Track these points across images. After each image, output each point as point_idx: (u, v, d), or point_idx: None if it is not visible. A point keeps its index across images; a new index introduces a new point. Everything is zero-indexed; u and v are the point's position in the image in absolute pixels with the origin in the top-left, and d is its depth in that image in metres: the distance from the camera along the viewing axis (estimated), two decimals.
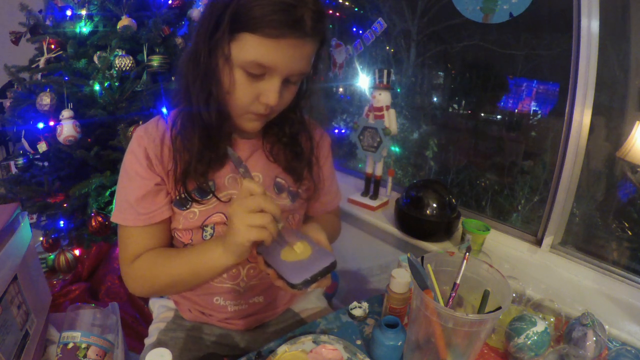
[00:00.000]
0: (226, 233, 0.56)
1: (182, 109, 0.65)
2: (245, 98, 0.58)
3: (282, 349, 0.63)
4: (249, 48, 0.53)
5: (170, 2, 1.50)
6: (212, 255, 0.58)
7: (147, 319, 1.40)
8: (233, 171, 0.68)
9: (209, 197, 0.66)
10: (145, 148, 0.64)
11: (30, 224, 0.78)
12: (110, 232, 1.32)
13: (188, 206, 0.66)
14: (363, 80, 1.82)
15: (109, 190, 1.35)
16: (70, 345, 0.67)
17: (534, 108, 1.32)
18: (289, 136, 0.72)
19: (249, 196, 0.52)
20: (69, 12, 1.38)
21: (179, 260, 0.63)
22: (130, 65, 1.34)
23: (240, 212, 0.52)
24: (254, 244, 0.54)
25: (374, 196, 1.51)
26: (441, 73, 1.63)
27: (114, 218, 0.66)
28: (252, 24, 0.51)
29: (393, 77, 1.42)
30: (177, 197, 0.66)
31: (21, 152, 1.44)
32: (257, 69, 0.55)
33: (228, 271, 0.69)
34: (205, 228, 0.67)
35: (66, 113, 1.26)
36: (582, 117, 1.05)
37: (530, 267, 1.14)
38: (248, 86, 0.57)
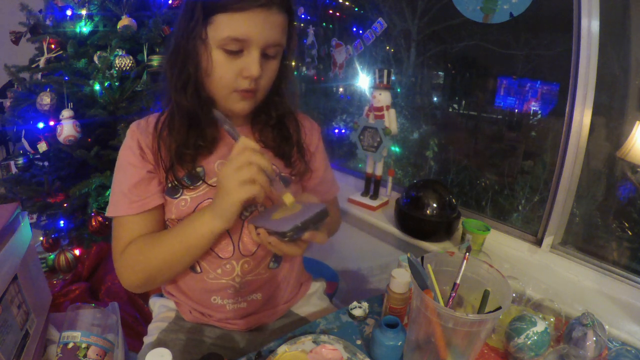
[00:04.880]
0: (215, 197, 0.59)
1: (169, 102, 0.67)
2: (227, 75, 0.62)
3: (282, 349, 0.63)
4: (223, 27, 0.58)
5: (170, 2, 1.50)
6: (200, 222, 0.60)
7: (147, 318, 1.40)
8: (222, 157, 0.70)
9: (199, 183, 0.68)
10: (138, 140, 0.67)
11: (30, 224, 0.78)
12: (110, 232, 1.32)
13: (179, 194, 0.67)
14: (363, 80, 1.82)
15: (109, 190, 1.35)
16: (71, 345, 0.67)
17: (534, 108, 1.32)
18: (276, 119, 0.75)
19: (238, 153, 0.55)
20: (69, 12, 1.38)
21: (168, 236, 0.64)
22: (130, 65, 1.34)
23: (228, 171, 0.55)
24: (244, 203, 0.56)
25: (374, 196, 1.51)
26: (441, 73, 1.63)
27: (108, 212, 0.68)
28: (222, 5, 0.57)
29: (393, 77, 1.42)
30: (169, 186, 0.67)
31: (21, 152, 1.44)
32: (234, 45, 0.59)
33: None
34: None
35: (66, 113, 1.27)
36: (582, 117, 1.05)
37: (530, 267, 1.14)
38: (228, 64, 0.61)
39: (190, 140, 0.67)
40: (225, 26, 0.58)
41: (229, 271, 0.71)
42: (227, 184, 0.55)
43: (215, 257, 0.70)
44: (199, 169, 0.68)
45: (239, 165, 0.54)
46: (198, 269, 0.71)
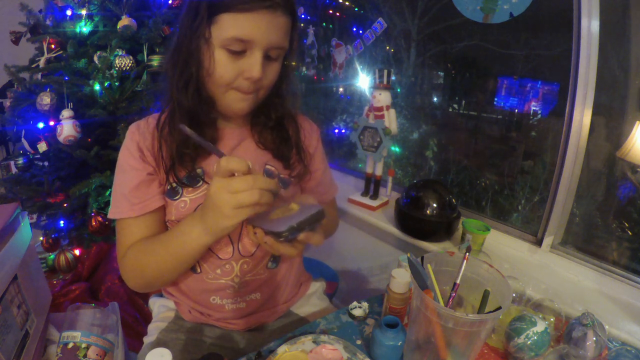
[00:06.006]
0: (206, 214, 0.55)
1: (170, 101, 0.67)
2: (227, 75, 0.61)
3: (282, 349, 0.63)
4: (227, 26, 0.58)
5: (170, 2, 1.50)
6: (190, 236, 0.59)
7: (147, 318, 1.40)
8: None
9: (199, 184, 0.67)
10: (137, 142, 0.67)
11: (30, 224, 0.78)
12: (110, 232, 1.32)
13: (179, 196, 0.67)
14: (363, 80, 1.82)
15: (109, 190, 1.35)
16: (71, 345, 0.67)
17: (534, 108, 1.32)
18: (275, 120, 0.74)
19: (231, 176, 0.51)
20: (69, 12, 1.38)
21: (160, 246, 0.64)
22: (130, 65, 1.34)
23: (223, 193, 0.50)
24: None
25: (374, 196, 1.51)
26: (441, 73, 1.63)
27: (110, 214, 0.67)
28: (227, 4, 0.57)
29: (393, 77, 1.42)
30: (169, 187, 0.67)
31: (21, 152, 1.44)
32: (238, 45, 0.59)
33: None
34: None
35: (66, 113, 1.26)
36: (582, 117, 1.05)
37: (530, 267, 1.14)
38: (230, 64, 0.60)
39: (190, 140, 0.66)
40: (230, 26, 0.58)
41: (228, 271, 0.71)
42: (223, 207, 0.51)
43: (215, 258, 0.70)
44: (198, 170, 0.68)
45: (238, 189, 0.50)
46: (198, 269, 0.71)
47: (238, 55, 0.60)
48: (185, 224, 0.61)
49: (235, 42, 0.58)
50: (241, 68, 0.61)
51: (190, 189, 0.67)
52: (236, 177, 0.51)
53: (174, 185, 0.67)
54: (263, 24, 0.58)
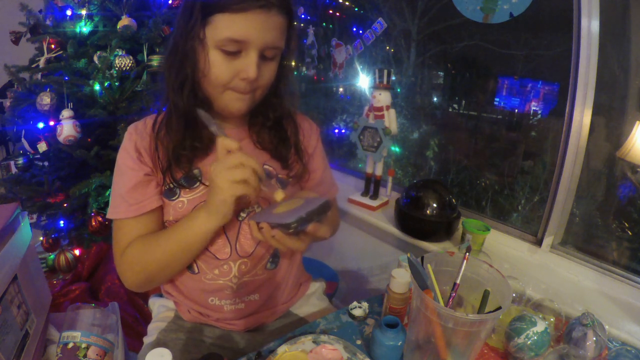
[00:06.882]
0: (208, 196, 0.59)
1: (167, 102, 0.67)
2: (223, 75, 0.61)
3: (282, 349, 0.63)
4: (221, 27, 0.58)
5: (170, 2, 1.50)
6: (196, 221, 0.61)
7: (147, 318, 1.40)
8: None
9: (196, 185, 0.68)
10: (135, 142, 0.67)
11: (30, 224, 0.78)
12: (110, 232, 1.32)
13: (176, 196, 0.68)
14: (363, 80, 1.82)
15: (109, 190, 1.35)
16: (70, 345, 0.67)
17: (534, 108, 1.32)
18: (273, 120, 0.74)
19: (227, 154, 0.56)
20: (69, 12, 1.38)
21: (165, 237, 0.65)
22: (130, 65, 1.34)
23: (220, 169, 0.55)
24: (237, 201, 0.57)
25: (374, 196, 1.51)
26: (441, 73, 1.63)
27: (109, 214, 0.69)
28: (221, 5, 0.57)
29: (393, 77, 1.42)
30: (166, 188, 0.68)
31: (21, 152, 1.44)
32: (232, 46, 0.59)
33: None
34: None
35: (66, 113, 1.26)
36: (582, 117, 1.05)
37: (530, 267, 1.14)
38: (225, 64, 0.60)
39: (186, 142, 0.67)
40: (224, 27, 0.58)
41: (226, 272, 0.71)
42: (219, 181, 0.55)
43: (213, 258, 0.70)
44: (195, 171, 0.68)
45: (232, 165, 0.55)
46: (195, 269, 0.71)
47: (233, 55, 0.60)
48: (191, 213, 0.64)
49: (229, 43, 0.58)
50: (237, 68, 0.60)
51: (187, 189, 0.68)
52: (230, 153, 0.56)
53: (172, 185, 0.67)
54: (257, 24, 0.58)
